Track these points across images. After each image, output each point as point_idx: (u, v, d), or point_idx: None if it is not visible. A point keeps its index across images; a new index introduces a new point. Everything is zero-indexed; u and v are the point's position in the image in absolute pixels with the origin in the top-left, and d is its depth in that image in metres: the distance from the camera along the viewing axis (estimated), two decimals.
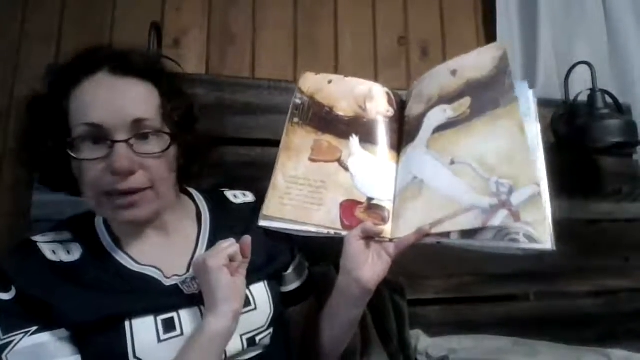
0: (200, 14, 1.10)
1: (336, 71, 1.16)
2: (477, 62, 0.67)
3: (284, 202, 0.68)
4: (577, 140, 1.10)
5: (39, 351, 0.51)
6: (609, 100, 1.12)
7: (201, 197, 0.72)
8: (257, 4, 1.14)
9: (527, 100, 0.64)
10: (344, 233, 0.65)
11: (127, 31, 1.02)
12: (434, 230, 0.59)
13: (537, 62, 1.23)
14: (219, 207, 0.71)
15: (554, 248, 0.53)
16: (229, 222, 0.68)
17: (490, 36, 1.27)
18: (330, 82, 0.76)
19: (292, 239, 0.70)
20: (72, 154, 0.54)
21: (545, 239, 0.53)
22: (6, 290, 0.53)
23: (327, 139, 0.71)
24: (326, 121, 0.73)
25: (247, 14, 1.13)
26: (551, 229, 0.54)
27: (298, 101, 0.75)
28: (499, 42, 1.21)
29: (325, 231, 0.66)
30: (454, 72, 0.69)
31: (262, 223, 0.68)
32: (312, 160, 0.70)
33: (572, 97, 1.16)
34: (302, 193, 0.68)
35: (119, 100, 0.54)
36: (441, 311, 1.01)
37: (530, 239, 0.54)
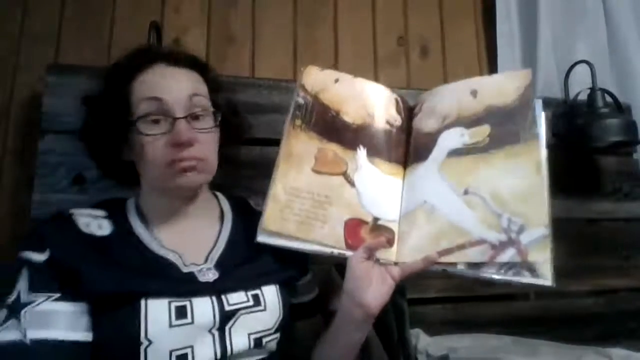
0: (200, 13, 1.09)
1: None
2: (500, 87, 0.66)
3: (285, 216, 0.64)
4: (576, 140, 1.10)
5: (53, 318, 0.53)
6: (608, 99, 1.12)
7: (225, 200, 0.75)
8: (257, 4, 1.14)
9: (541, 124, 0.63)
10: (347, 253, 0.63)
11: (127, 31, 1.02)
12: (442, 260, 0.60)
13: (537, 62, 1.23)
14: (241, 211, 0.74)
15: (554, 284, 0.55)
16: (248, 225, 0.69)
17: (490, 36, 1.27)
18: (336, 80, 0.72)
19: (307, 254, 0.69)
20: (141, 131, 0.60)
21: (548, 276, 0.56)
22: (41, 251, 0.56)
23: (333, 148, 0.68)
24: (332, 127, 0.69)
25: (246, 13, 1.13)
26: (552, 265, 0.56)
27: (300, 100, 0.70)
28: (499, 52, 1.23)
29: (329, 250, 0.63)
30: (474, 93, 0.67)
31: (261, 238, 0.64)
32: (315, 171, 0.66)
33: (572, 96, 1.16)
34: (305, 207, 0.64)
35: (175, 82, 0.62)
36: (441, 310, 1.01)
37: (534, 274, 0.56)
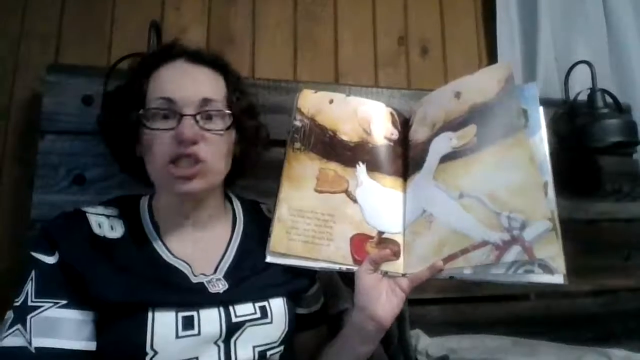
0: (200, 13, 1.09)
1: (336, 71, 1.16)
2: (481, 84, 0.64)
3: (291, 236, 0.66)
4: (577, 140, 1.10)
5: (59, 326, 0.52)
6: (608, 99, 1.12)
7: (239, 204, 0.74)
8: (257, 3, 1.14)
9: (537, 113, 0.61)
10: (355, 268, 0.64)
11: (127, 31, 1.02)
12: (447, 266, 0.59)
13: (537, 62, 1.23)
14: (253, 216, 0.73)
15: (567, 282, 0.53)
16: (259, 232, 0.69)
17: (490, 36, 1.27)
18: (331, 102, 0.73)
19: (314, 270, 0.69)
20: (146, 123, 0.60)
21: (561, 270, 0.53)
22: (51, 253, 0.56)
23: (333, 167, 0.69)
24: (330, 147, 0.70)
25: (246, 13, 1.13)
26: (564, 262, 0.54)
27: (298, 123, 0.72)
28: (499, 51, 1.22)
29: (337, 267, 0.65)
30: (457, 95, 0.66)
31: (270, 259, 0.66)
32: (318, 191, 0.68)
33: (572, 97, 1.16)
34: (310, 227, 0.66)
35: (191, 81, 0.62)
36: (441, 311, 1.01)
37: (546, 269, 0.54)
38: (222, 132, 0.62)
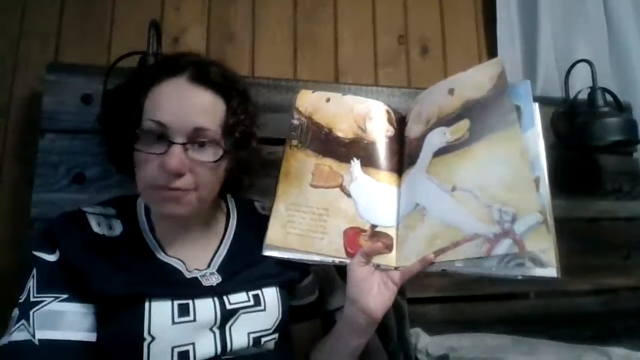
0: (200, 12, 1.09)
1: (336, 70, 1.16)
2: (474, 80, 0.65)
3: (287, 230, 0.67)
4: (577, 139, 1.10)
5: (60, 319, 0.54)
6: (609, 98, 1.12)
7: (233, 201, 0.75)
8: (257, 3, 1.14)
9: (531, 110, 0.61)
10: (348, 261, 0.65)
11: (127, 30, 1.02)
12: (439, 259, 0.59)
13: (537, 60, 1.23)
14: (247, 213, 0.75)
15: (560, 275, 0.53)
16: (252, 229, 0.70)
17: (490, 35, 1.27)
18: (328, 100, 0.74)
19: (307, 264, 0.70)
20: (136, 146, 0.59)
21: (552, 264, 0.53)
22: (52, 252, 0.57)
23: (328, 162, 0.70)
24: (326, 144, 0.71)
25: (246, 12, 1.13)
26: (557, 256, 0.53)
27: (296, 122, 0.74)
28: (499, 50, 1.23)
29: (330, 260, 0.66)
30: (451, 91, 0.67)
31: (266, 252, 0.67)
32: (313, 186, 0.69)
33: (572, 95, 1.16)
34: (305, 221, 0.68)
35: (187, 107, 0.59)
36: (441, 309, 1.01)
37: (537, 262, 0.53)
38: (211, 164, 0.60)
